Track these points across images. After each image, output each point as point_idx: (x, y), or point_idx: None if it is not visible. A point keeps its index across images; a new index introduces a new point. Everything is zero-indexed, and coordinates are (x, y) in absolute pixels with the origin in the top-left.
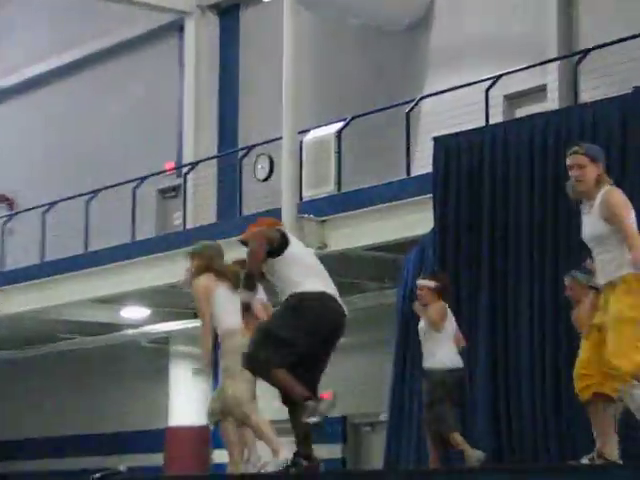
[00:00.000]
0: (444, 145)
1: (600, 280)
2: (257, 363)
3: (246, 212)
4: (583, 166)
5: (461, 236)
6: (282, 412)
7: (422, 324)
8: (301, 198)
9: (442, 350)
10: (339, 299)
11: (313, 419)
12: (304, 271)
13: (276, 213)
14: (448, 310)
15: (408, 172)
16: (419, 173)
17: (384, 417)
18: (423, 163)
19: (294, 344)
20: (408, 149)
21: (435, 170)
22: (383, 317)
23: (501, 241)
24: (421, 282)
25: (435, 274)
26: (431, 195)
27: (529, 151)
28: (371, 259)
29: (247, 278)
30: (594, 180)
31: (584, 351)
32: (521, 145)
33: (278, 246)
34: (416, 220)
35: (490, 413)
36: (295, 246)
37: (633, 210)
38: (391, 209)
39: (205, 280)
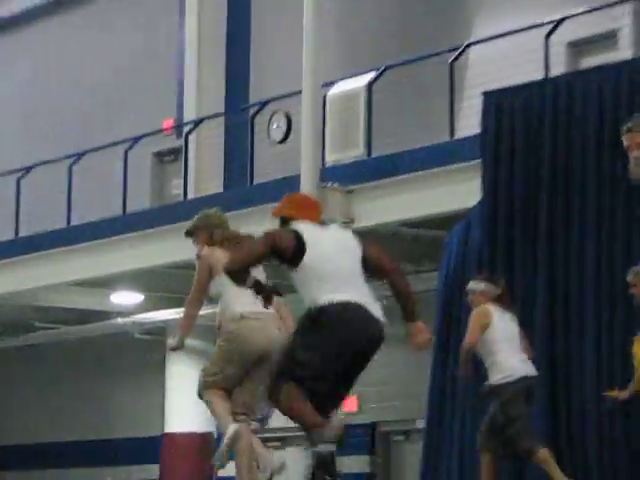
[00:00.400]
0: (495, 101)
1: None
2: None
3: (258, 180)
4: None
5: (515, 208)
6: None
7: None
8: (324, 164)
9: (499, 357)
10: (373, 305)
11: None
12: (325, 280)
13: (294, 181)
14: (495, 312)
15: (452, 133)
16: (465, 135)
17: (420, 424)
18: (470, 122)
19: (314, 367)
20: (452, 106)
21: (484, 130)
22: (420, 306)
23: (563, 213)
24: (470, 286)
25: (490, 278)
26: (479, 160)
27: (597, 107)
28: (407, 237)
29: (229, 273)
30: None
31: None
32: (588, 101)
33: (292, 256)
34: (461, 190)
35: (547, 415)
36: (314, 248)
37: None
38: (431, 177)
39: (213, 251)
